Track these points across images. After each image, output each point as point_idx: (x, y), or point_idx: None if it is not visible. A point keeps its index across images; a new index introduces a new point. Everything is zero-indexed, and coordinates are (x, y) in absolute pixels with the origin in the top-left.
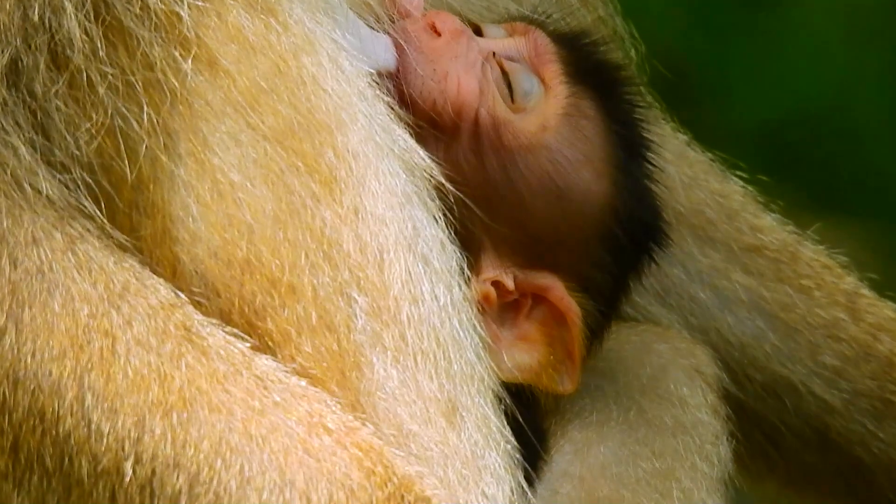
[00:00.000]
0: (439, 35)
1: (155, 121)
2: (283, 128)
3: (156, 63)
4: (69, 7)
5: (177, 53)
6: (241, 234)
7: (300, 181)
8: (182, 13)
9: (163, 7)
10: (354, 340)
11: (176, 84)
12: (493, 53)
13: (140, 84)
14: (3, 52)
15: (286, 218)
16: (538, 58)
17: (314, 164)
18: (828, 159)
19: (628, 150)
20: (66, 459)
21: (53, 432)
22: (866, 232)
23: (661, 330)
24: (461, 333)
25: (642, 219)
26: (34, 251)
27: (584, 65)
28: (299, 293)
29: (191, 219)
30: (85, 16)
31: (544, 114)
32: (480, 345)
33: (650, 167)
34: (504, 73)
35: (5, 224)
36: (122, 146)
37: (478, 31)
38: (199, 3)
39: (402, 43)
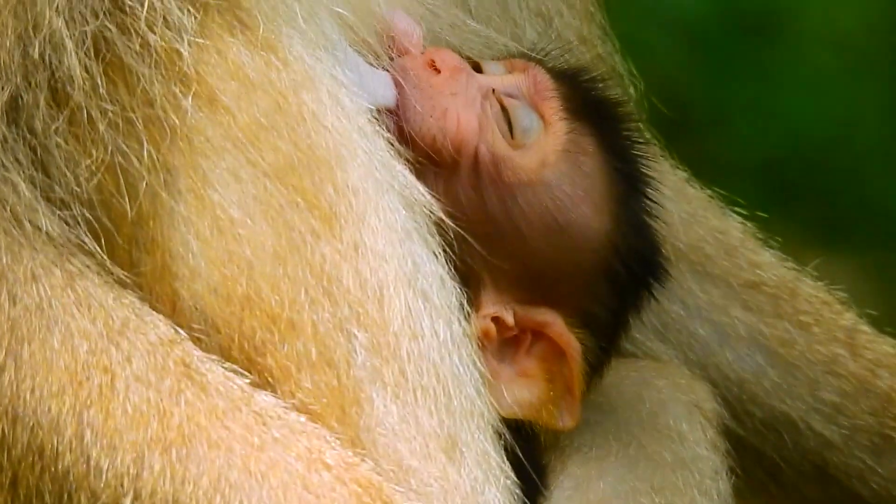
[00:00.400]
0: (439, 72)
1: (155, 157)
2: (283, 164)
3: (156, 100)
4: (69, 44)
5: (177, 90)
6: (240, 270)
7: (300, 217)
8: (182, 50)
9: (163, 44)
10: (354, 376)
11: (176, 120)
12: (493, 90)
13: (140, 121)
14: (3, 88)
15: (286, 254)
16: (537, 94)
17: (314, 201)
18: (827, 193)
19: (628, 185)
20: (66, 496)
21: (53, 468)
22: (865, 266)
23: (661, 365)
24: (461, 369)
25: (642, 254)
26: (33, 288)
27: (584, 101)
28: (299, 329)
29: (191, 255)
30: (85, 53)
31: (544, 150)
32: (480, 380)
33: (650, 203)
34: (503, 110)
35: (5, 260)
36: (122, 183)
37: (477, 68)
38: (199, 41)
39: (402, 80)
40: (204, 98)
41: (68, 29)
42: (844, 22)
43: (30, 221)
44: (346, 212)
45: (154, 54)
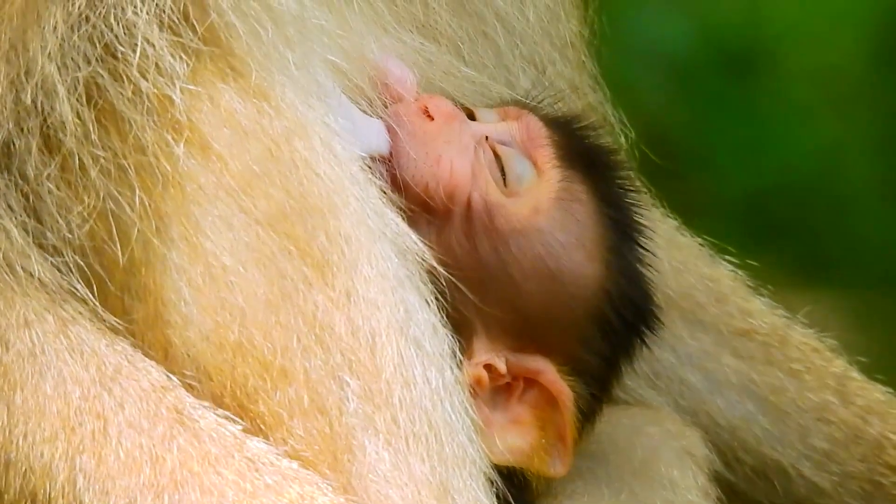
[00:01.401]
0: (432, 119)
1: (147, 204)
2: (275, 212)
3: (148, 147)
4: (62, 90)
5: (169, 137)
6: (233, 317)
7: (292, 265)
8: (174, 97)
9: (155, 91)
10: (346, 423)
11: (168, 168)
12: (486, 137)
13: (132, 168)
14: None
15: (278, 301)
16: (531, 142)
17: (306, 248)
18: (814, 229)
19: (620, 233)
20: None
21: None
22: (854, 304)
23: (652, 412)
24: (453, 416)
25: (634, 302)
26: (26, 333)
27: (577, 149)
28: (291, 376)
29: (183, 302)
30: (77, 99)
31: (537, 197)
32: (472, 428)
33: (642, 251)
34: (497, 157)
35: None
36: (114, 229)
37: (470, 116)
38: (192, 87)
39: (395, 127)
40: (196, 145)
41: (60, 75)
42: (827, 58)
43: (22, 268)
44: (338, 259)
45: (146, 101)
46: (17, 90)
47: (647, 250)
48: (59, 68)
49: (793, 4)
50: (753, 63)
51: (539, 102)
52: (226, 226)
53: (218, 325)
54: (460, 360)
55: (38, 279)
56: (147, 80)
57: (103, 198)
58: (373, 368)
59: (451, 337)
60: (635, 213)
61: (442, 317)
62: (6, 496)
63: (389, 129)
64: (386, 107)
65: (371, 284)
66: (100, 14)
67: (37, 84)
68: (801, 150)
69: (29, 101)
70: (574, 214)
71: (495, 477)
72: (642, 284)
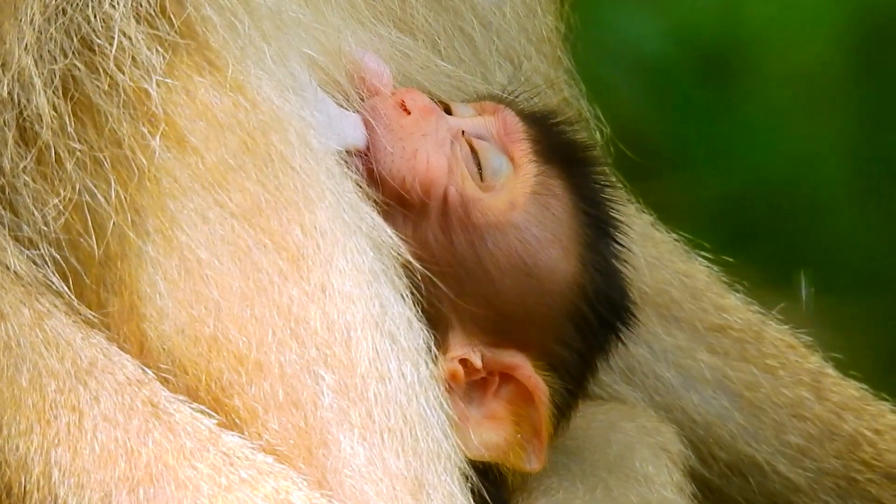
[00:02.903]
0: (408, 113)
1: (123, 197)
2: (250, 205)
3: (124, 139)
4: (38, 83)
5: (145, 130)
6: (208, 310)
7: (267, 258)
8: (150, 90)
9: (131, 84)
10: (321, 418)
11: (144, 161)
12: (463, 132)
13: (108, 160)
14: None
15: (253, 295)
16: (507, 136)
17: (281, 242)
18: (787, 231)
19: (596, 229)
20: None
21: None
22: (828, 307)
23: (628, 408)
24: (428, 411)
25: (610, 298)
26: (1, 326)
27: (553, 144)
28: (266, 370)
29: (158, 295)
30: (54, 92)
31: (513, 192)
32: (447, 423)
33: (618, 246)
34: (473, 152)
35: None
36: (90, 222)
37: (447, 110)
38: (168, 81)
39: (371, 120)
40: (172, 138)
41: (37, 67)
42: (802, 60)
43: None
44: (313, 253)
45: (122, 94)
46: None
47: (623, 246)
48: (35, 60)
49: (768, 6)
50: (728, 64)
51: (515, 97)
52: (201, 219)
53: (193, 318)
54: (436, 355)
55: (14, 272)
56: (123, 73)
57: (79, 190)
58: (348, 362)
59: (426, 331)
60: (611, 208)
61: (417, 311)
62: None
63: (366, 123)
64: (362, 101)
65: (346, 278)
66: (77, 6)
67: (13, 76)
68: (776, 151)
69: (5, 94)
70: (550, 209)
71: (470, 472)
72: (618, 280)
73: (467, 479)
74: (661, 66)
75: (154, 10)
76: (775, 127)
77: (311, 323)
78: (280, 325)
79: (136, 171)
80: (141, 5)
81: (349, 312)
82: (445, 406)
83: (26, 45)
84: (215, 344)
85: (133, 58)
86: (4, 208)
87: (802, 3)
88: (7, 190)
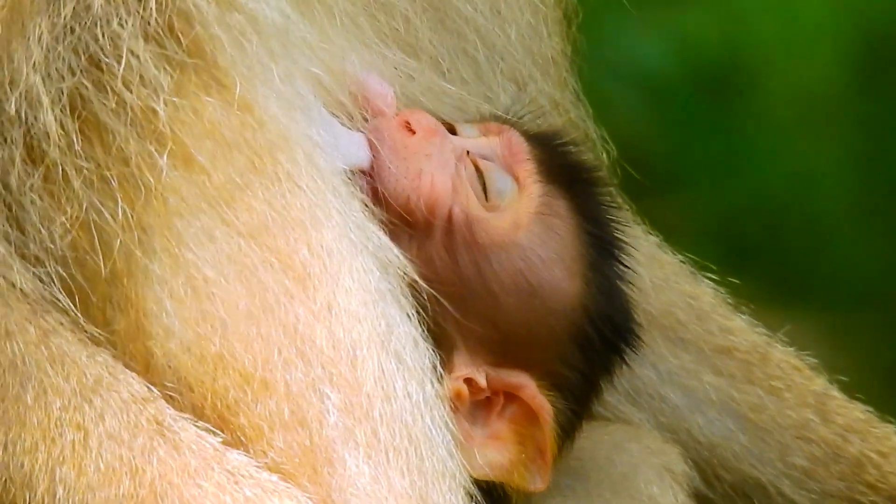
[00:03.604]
0: (413, 133)
1: (129, 215)
2: (257, 224)
3: (131, 158)
4: (46, 101)
5: (152, 149)
6: (214, 329)
7: (274, 277)
8: (158, 109)
9: (139, 103)
10: (326, 436)
11: (151, 179)
12: (467, 152)
13: (115, 179)
14: None
15: (259, 314)
16: (512, 157)
17: (288, 261)
18: (790, 249)
19: (601, 249)
20: None
21: None
22: (831, 324)
23: (632, 429)
24: (433, 430)
25: (614, 318)
26: (7, 344)
27: (558, 164)
28: (272, 389)
29: (164, 314)
30: (61, 110)
31: (517, 212)
32: (452, 442)
33: (623, 267)
34: (478, 172)
35: None
36: (97, 240)
37: (452, 130)
38: (175, 100)
39: (376, 141)
40: (179, 157)
41: (45, 85)
42: (804, 79)
43: (3, 278)
44: (319, 272)
45: (130, 112)
46: (0, 100)
47: (628, 267)
48: (43, 79)
49: (771, 25)
50: (732, 83)
51: (520, 118)
52: (208, 238)
53: (199, 336)
54: (441, 375)
55: (20, 290)
56: (131, 92)
57: (86, 209)
58: (353, 381)
59: (431, 351)
60: (616, 229)
61: (423, 330)
62: None
63: (370, 143)
64: (366, 121)
65: (352, 297)
66: (85, 25)
67: (21, 94)
68: (779, 169)
69: (13, 112)
70: (554, 230)
71: (475, 491)
72: (622, 301)
73: (472, 498)
74: (664, 85)
75: (162, 30)
76: (778, 145)
77: (317, 342)
78: (286, 343)
79: (143, 189)
80: (149, 25)
81: (355, 331)
82: (450, 425)
83: (34, 63)
84: (221, 362)
85: (141, 76)
86: (11, 226)
87: (805, 21)
88: (14, 207)
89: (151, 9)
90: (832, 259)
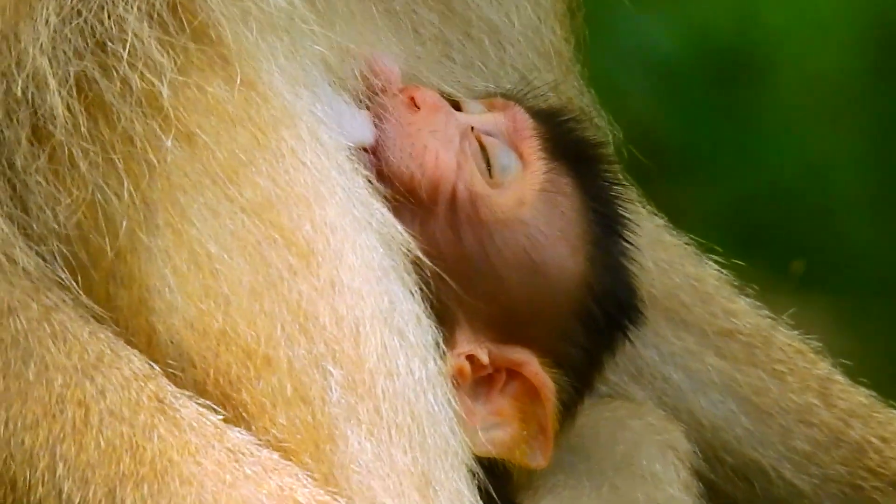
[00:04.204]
0: (418, 109)
1: (133, 193)
2: (260, 200)
3: (136, 137)
4: (52, 83)
5: (156, 127)
6: (217, 305)
7: (277, 253)
8: (162, 86)
9: (143, 84)
10: (329, 413)
11: (155, 157)
12: (472, 128)
13: (121, 159)
14: None
15: (262, 290)
16: (516, 133)
17: (291, 237)
18: (802, 236)
19: (604, 226)
20: None
21: (24, 502)
22: (840, 308)
23: (635, 406)
24: (436, 407)
25: (617, 295)
26: (9, 321)
27: (563, 141)
28: (275, 365)
29: (167, 289)
30: (68, 92)
31: (521, 189)
32: (455, 419)
33: (626, 244)
34: (482, 148)
35: None
36: (101, 219)
37: (456, 106)
38: (179, 77)
39: (381, 117)
40: (183, 134)
41: (51, 67)
42: (817, 64)
43: (6, 256)
44: (323, 249)
45: (135, 93)
46: (7, 81)
47: (632, 244)
48: (50, 61)
49: (784, 11)
50: (743, 68)
51: (526, 94)
52: (211, 213)
53: (202, 312)
54: (443, 351)
55: (23, 267)
56: (136, 74)
57: (91, 189)
58: (356, 358)
59: (434, 328)
60: (620, 206)
61: (426, 307)
62: None
63: (375, 120)
64: (371, 98)
65: (356, 274)
66: (91, 9)
67: (28, 76)
68: (790, 155)
69: (19, 93)
70: (558, 207)
71: (477, 468)
72: (625, 278)
73: (474, 475)
74: (675, 70)
75: (166, 12)
76: (790, 131)
77: (320, 318)
78: (289, 320)
79: (147, 167)
80: (154, 7)
81: (358, 308)
82: (453, 403)
83: (41, 45)
84: (224, 338)
85: (146, 59)
86: (15, 206)
87: (818, 6)
88: (18, 187)
89: None
90: (840, 244)
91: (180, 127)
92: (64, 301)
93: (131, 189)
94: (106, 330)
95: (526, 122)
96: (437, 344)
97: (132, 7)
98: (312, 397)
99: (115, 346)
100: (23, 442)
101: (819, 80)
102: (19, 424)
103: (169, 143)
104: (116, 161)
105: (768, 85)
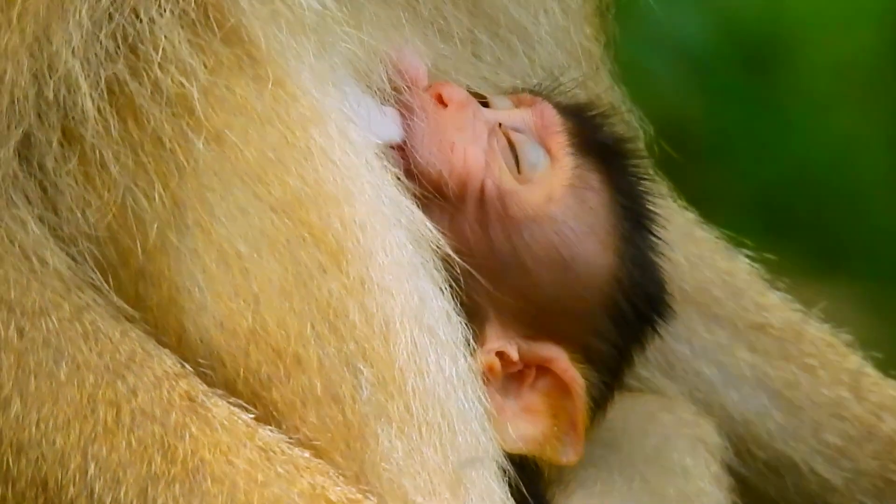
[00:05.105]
0: (445, 106)
1: (163, 194)
2: (290, 199)
3: (166, 138)
4: (84, 86)
5: (186, 127)
6: (246, 303)
7: (307, 252)
8: (192, 86)
9: (174, 87)
10: (359, 411)
11: (185, 158)
12: (500, 124)
13: (151, 160)
14: (16, 126)
15: (292, 288)
16: (544, 129)
17: (321, 236)
18: (830, 223)
19: (633, 221)
20: None
21: (55, 502)
22: (870, 296)
23: (666, 400)
24: (466, 405)
25: (646, 290)
26: (41, 321)
27: (590, 137)
28: (305, 364)
29: (197, 288)
30: (99, 94)
31: (550, 185)
32: (485, 416)
33: (654, 239)
34: (510, 144)
35: (13, 294)
36: (132, 220)
37: (484, 103)
38: (209, 77)
39: (408, 114)
40: (212, 133)
41: (83, 70)
42: (844, 51)
43: (38, 257)
44: (353, 247)
45: (165, 93)
46: (39, 84)
47: (660, 238)
48: (82, 64)
49: None
50: (771, 56)
51: (553, 89)
52: (240, 212)
53: (232, 311)
54: (473, 348)
55: (54, 268)
56: (167, 76)
57: (122, 190)
58: (386, 356)
59: (464, 325)
60: (648, 201)
61: (456, 304)
62: (18, 484)
63: (403, 117)
64: (399, 95)
65: (385, 272)
66: (123, 12)
67: (59, 78)
68: (818, 142)
69: (51, 95)
70: (587, 202)
71: (507, 465)
72: (654, 273)
73: (504, 472)
74: (703, 59)
75: (197, 15)
76: (818, 117)
77: (350, 316)
78: (319, 318)
79: (176, 167)
80: (185, 10)
81: (388, 306)
82: (483, 400)
83: (74, 48)
84: (254, 337)
85: (176, 59)
86: (46, 208)
87: None
88: (49, 190)
89: None
90: (871, 231)
91: (209, 127)
92: (95, 301)
93: (161, 190)
94: (137, 329)
95: (554, 118)
96: (468, 341)
97: (164, 10)
98: (343, 396)
99: (146, 345)
100: (54, 442)
101: (846, 67)
102: (51, 425)
103: (198, 141)
104: (146, 162)
105: (796, 72)
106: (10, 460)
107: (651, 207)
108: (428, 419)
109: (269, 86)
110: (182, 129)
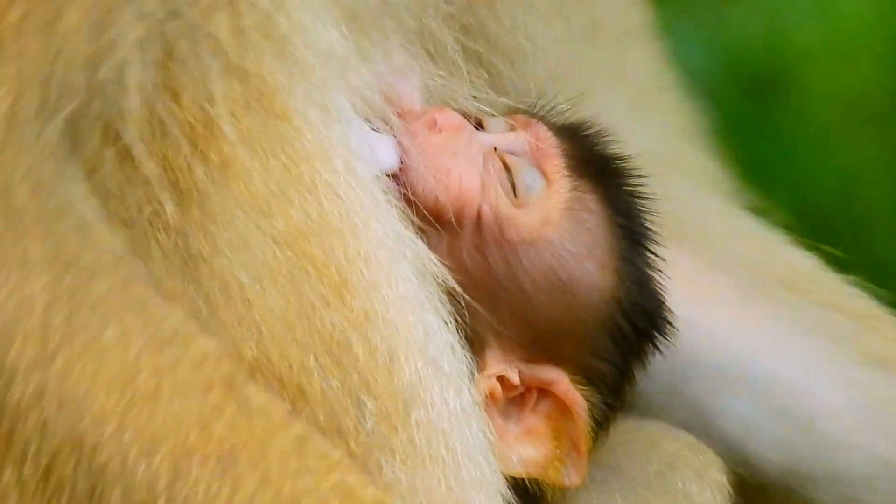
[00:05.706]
0: (440, 131)
1: (167, 220)
2: (293, 231)
3: (171, 164)
4: (131, 84)
5: (189, 155)
6: (249, 334)
7: (310, 285)
8: (199, 119)
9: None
10: (363, 443)
11: (188, 186)
12: (495, 148)
13: (154, 184)
14: (68, 101)
15: (295, 320)
16: (540, 151)
17: (324, 269)
18: (833, 253)
19: (631, 240)
20: (97, 492)
21: (88, 462)
22: None
23: (669, 427)
24: (470, 438)
25: (646, 310)
26: (93, 283)
27: (586, 157)
28: (308, 395)
29: (199, 318)
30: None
31: (547, 208)
32: (490, 449)
33: (653, 258)
34: (506, 168)
35: (72, 251)
36: (141, 233)
37: (479, 125)
38: (213, 109)
39: (403, 142)
40: (216, 163)
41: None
42: (848, 81)
43: (92, 225)
44: (357, 280)
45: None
46: (92, 69)
47: (657, 256)
48: (136, 58)
49: (816, 27)
50: (775, 85)
51: (548, 111)
52: (243, 244)
53: (234, 341)
54: (473, 373)
55: (106, 239)
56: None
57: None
58: (390, 389)
59: (469, 358)
60: (645, 219)
61: (460, 337)
62: (53, 439)
63: (398, 145)
64: (394, 122)
65: (390, 305)
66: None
67: (111, 68)
68: (823, 172)
69: (101, 82)
70: (584, 224)
71: (510, 491)
72: (654, 291)
73: (506, 499)
74: (708, 87)
75: None
76: (822, 148)
77: (354, 349)
78: (322, 350)
79: (179, 195)
80: None
81: (392, 339)
82: (488, 433)
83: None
84: (257, 368)
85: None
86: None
87: (850, 23)
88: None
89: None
90: (875, 263)
91: (213, 156)
92: (142, 275)
93: (163, 214)
94: (180, 310)
95: (549, 140)
96: (472, 374)
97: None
98: (346, 427)
99: (189, 324)
100: (94, 403)
101: (851, 97)
102: (93, 384)
103: (201, 172)
104: (153, 185)
105: (800, 102)
106: (50, 415)
107: (648, 225)
108: (432, 452)
109: (275, 119)
110: (185, 157)
